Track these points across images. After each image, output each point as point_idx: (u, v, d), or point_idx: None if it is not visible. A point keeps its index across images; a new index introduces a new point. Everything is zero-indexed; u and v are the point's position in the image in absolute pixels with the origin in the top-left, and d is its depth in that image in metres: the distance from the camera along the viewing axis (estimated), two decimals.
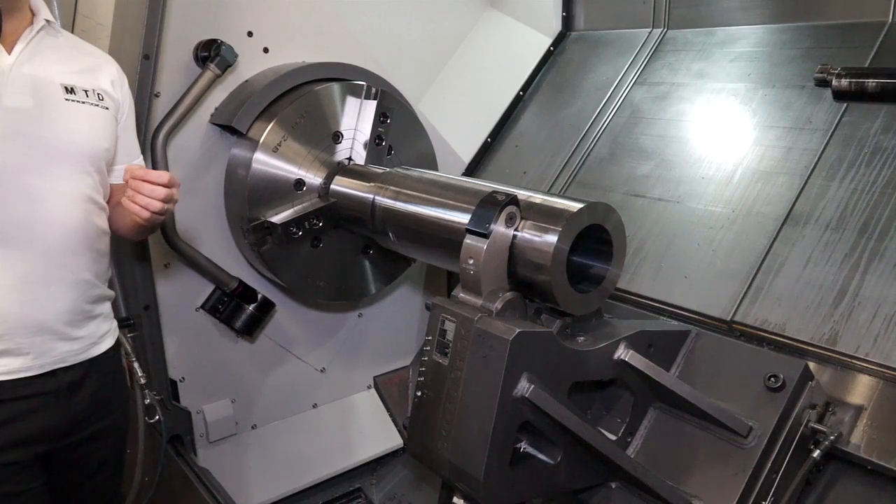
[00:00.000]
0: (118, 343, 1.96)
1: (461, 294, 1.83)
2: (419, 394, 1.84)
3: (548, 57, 3.52)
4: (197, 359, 2.74)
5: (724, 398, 1.94)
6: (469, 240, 1.78)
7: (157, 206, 1.67)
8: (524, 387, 1.65)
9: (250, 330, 2.68)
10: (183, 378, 2.72)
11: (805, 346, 2.07)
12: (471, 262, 1.77)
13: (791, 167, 2.45)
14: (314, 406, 3.16)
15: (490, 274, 1.77)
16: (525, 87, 3.46)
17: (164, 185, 1.68)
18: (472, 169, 3.36)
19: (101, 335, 1.86)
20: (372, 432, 3.27)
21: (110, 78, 1.87)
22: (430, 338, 1.81)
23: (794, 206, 2.36)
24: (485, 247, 1.75)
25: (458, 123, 3.36)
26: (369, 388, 3.35)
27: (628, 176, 2.86)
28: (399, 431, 3.31)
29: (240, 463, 2.89)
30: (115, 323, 1.96)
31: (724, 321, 2.25)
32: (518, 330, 1.61)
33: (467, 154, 3.35)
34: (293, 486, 2.99)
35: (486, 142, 3.37)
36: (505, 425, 1.66)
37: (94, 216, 1.77)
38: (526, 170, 3.22)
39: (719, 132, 2.72)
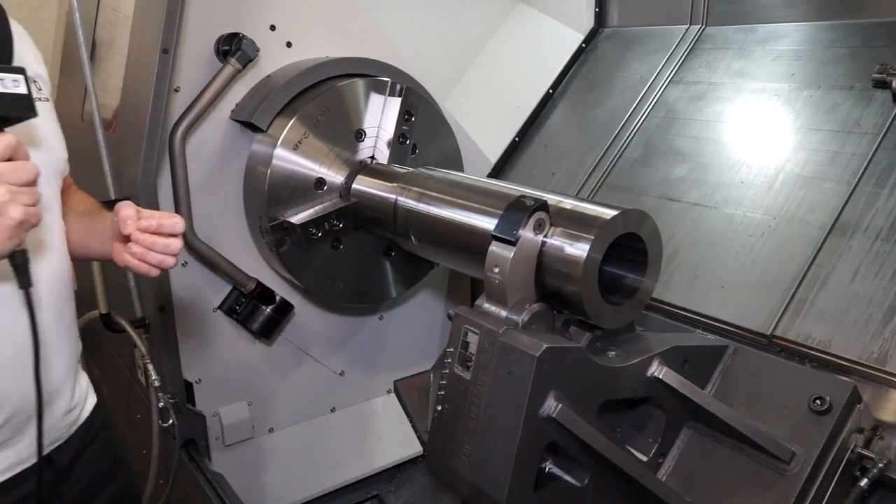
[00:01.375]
0: (100, 401, 1.67)
1: (485, 304, 1.73)
2: (439, 408, 1.74)
3: (579, 54, 3.40)
4: (213, 360, 2.68)
5: (764, 419, 1.82)
6: (495, 247, 1.69)
7: (172, 262, 1.39)
8: (551, 406, 1.55)
9: (268, 332, 2.61)
10: (199, 380, 2.66)
11: (852, 365, 1.93)
12: (496, 270, 1.67)
13: (838, 173, 2.31)
14: (332, 410, 3.09)
15: (516, 284, 1.67)
16: (555, 85, 3.34)
17: (177, 234, 1.38)
18: (499, 169, 3.26)
19: (86, 394, 1.59)
20: (391, 438, 3.19)
21: (32, 52, 1.46)
22: (451, 349, 1.71)
23: (840, 214, 2.22)
24: (511, 255, 1.65)
25: (485, 122, 3.25)
26: (389, 392, 3.27)
27: (662, 179, 2.74)
28: (419, 438, 3.22)
29: (255, 467, 2.83)
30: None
31: (764, 335, 2.12)
32: (545, 345, 1.51)
33: (494, 154, 3.24)
34: (309, 492, 2.93)
35: (513, 141, 3.26)
36: (530, 446, 1.56)
37: (65, 247, 1.49)
38: (554, 171, 3.10)
39: (760, 135, 2.58)
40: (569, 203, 1.75)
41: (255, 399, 2.84)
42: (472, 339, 1.66)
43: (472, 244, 1.91)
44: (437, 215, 2.06)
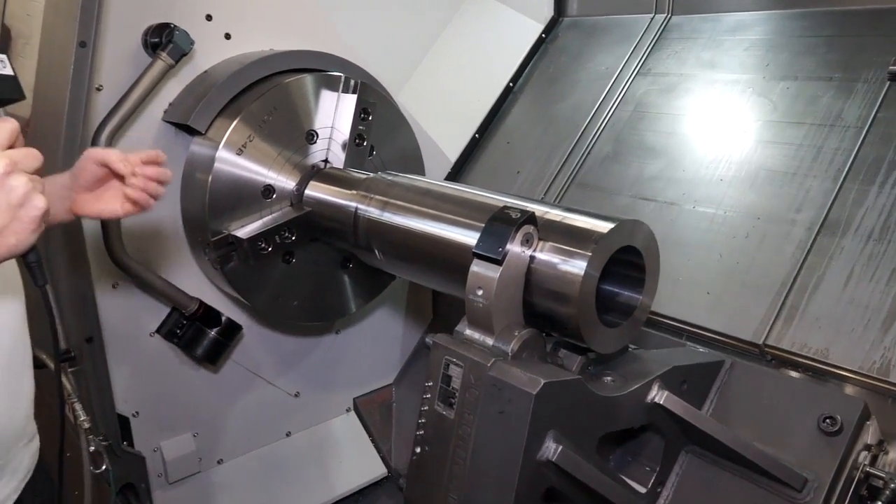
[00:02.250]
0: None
1: (467, 330, 1.53)
2: (418, 450, 1.53)
3: (539, 45, 3.22)
4: (152, 390, 2.41)
5: (768, 441, 1.68)
6: (478, 267, 1.48)
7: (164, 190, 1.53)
8: (550, 448, 1.36)
9: (213, 357, 2.35)
10: (136, 413, 2.38)
11: (853, 376, 1.81)
12: (480, 293, 1.47)
13: (822, 169, 2.20)
14: (287, 434, 2.84)
15: (503, 307, 1.47)
16: (515, 78, 3.15)
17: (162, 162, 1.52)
18: (459, 168, 3.05)
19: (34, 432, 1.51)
20: (352, 461, 2.96)
21: None
22: (430, 384, 1.50)
23: (828, 213, 2.10)
24: (498, 275, 1.45)
25: (442, 118, 3.04)
26: (348, 410, 3.04)
27: (635, 177, 2.59)
28: (382, 458, 3.01)
29: None
30: None
31: (756, 345, 1.99)
32: (543, 380, 1.32)
33: (453, 152, 3.04)
34: None
35: (473, 138, 3.07)
36: (528, 494, 1.37)
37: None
38: (519, 169, 2.92)
39: (736, 129, 2.45)
40: (556, 213, 1.55)
41: (202, 429, 2.57)
42: (455, 372, 1.46)
43: (448, 260, 1.71)
44: (406, 227, 1.84)
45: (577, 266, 1.42)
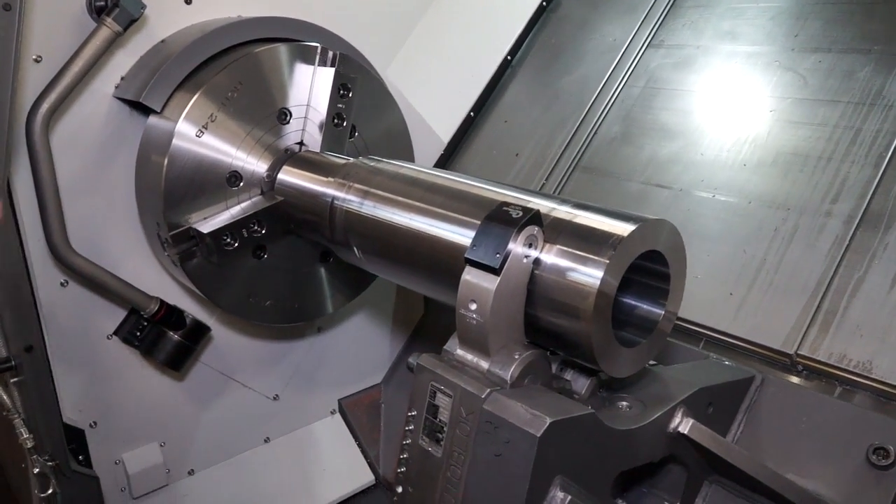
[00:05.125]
0: None
1: (458, 350, 1.28)
2: (400, 490, 1.30)
3: (539, 14, 2.95)
4: (112, 398, 2.17)
5: (806, 474, 1.45)
6: (471, 276, 1.23)
7: None
8: (557, 498, 1.12)
9: (177, 363, 2.10)
10: (94, 423, 2.14)
11: None
12: (473, 307, 1.22)
13: (861, 154, 1.95)
14: (266, 440, 2.62)
15: (502, 325, 1.22)
16: (513, 51, 2.90)
17: None
18: (453, 150, 2.80)
19: None
20: (337, 467, 2.74)
21: None
22: (413, 413, 1.26)
23: (869, 203, 1.86)
24: (494, 287, 1.20)
25: (434, 95, 2.78)
26: (333, 413, 2.81)
27: (647, 161, 2.33)
28: (369, 464, 2.78)
29: None
30: None
31: (787, 354, 1.75)
32: (549, 420, 1.08)
33: (446, 132, 2.78)
34: None
35: (468, 117, 2.82)
36: None
37: None
38: (518, 151, 2.67)
39: (761, 107, 2.20)
40: (565, 211, 1.30)
41: (169, 438, 2.34)
42: (443, 402, 1.22)
43: (437, 263, 1.45)
44: (389, 222, 1.58)
45: (591, 275, 1.17)
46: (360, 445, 2.80)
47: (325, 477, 2.70)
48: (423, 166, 1.81)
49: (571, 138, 2.55)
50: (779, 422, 1.55)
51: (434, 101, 2.78)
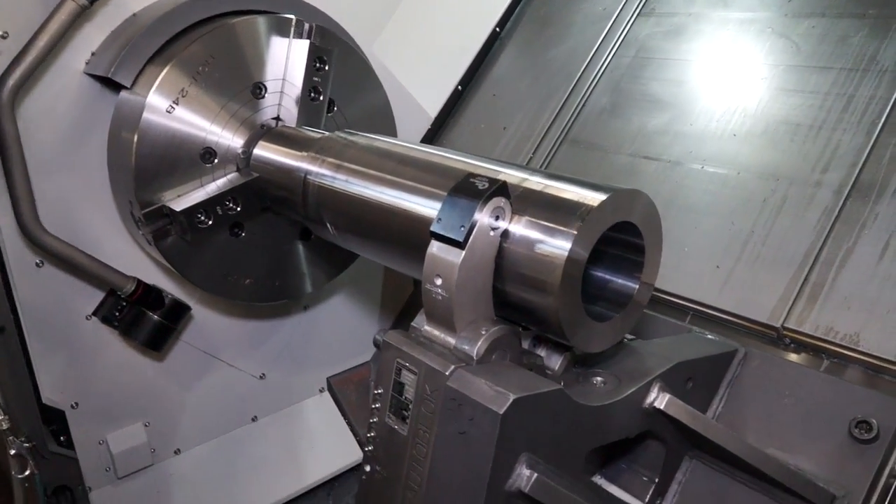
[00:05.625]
0: None
1: (425, 326, 1.25)
2: (368, 469, 1.27)
3: None
4: (93, 378, 2.16)
5: (788, 449, 1.42)
6: (435, 249, 1.19)
7: None
8: (522, 476, 1.09)
9: (157, 343, 2.08)
10: (76, 404, 2.13)
11: (888, 366, 1.54)
12: (438, 282, 1.18)
13: (853, 121, 1.89)
14: (253, 419, 2.60)
15: (467, 300, 1.19)
16: (502, 23, 2.83)
17: None
18: (441, 125, 2.75)
19: None
20: (326, 445, 2.73)
21: None
22: (380, 391, 1.23)
23: (860, 172, 1.81)
24: (459, 260, 1.16)
25: (421, 69, 2.73)
26: (322, 391, 2.79)
27: (636, 132, 2.28)
28: (358, 442, 2.76)
29: (161, 500, 2.33)
30: None
31: (773, 328, 1.71)
32: (513, 396, 1.05)
33: (433, 106, 2.73)
34: None
35: (456, 91, 2.76)
36: None
37: None
38: (506, 125, 2.61)
39: (753, 75, 2.13)
40: (536, 181, 1.26)
41: (154, 418, 2.32)
42: (408, 379, 1.19)
43: (407, 237, 1.42)
44: (359, 196, 1.54)
45: (559, 247, 1.13)
46: (348, 423, 2.78)
47: (313, 454, 2.69)
48: (400, 140, 1.76)
49: (559, 111, 2.49)
50: (761, 396, 1.52)
51: (421, 75, 2.73)
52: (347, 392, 2.86)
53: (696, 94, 2.23)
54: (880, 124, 1.83)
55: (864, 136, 1.85)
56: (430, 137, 2.71)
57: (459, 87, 2.76)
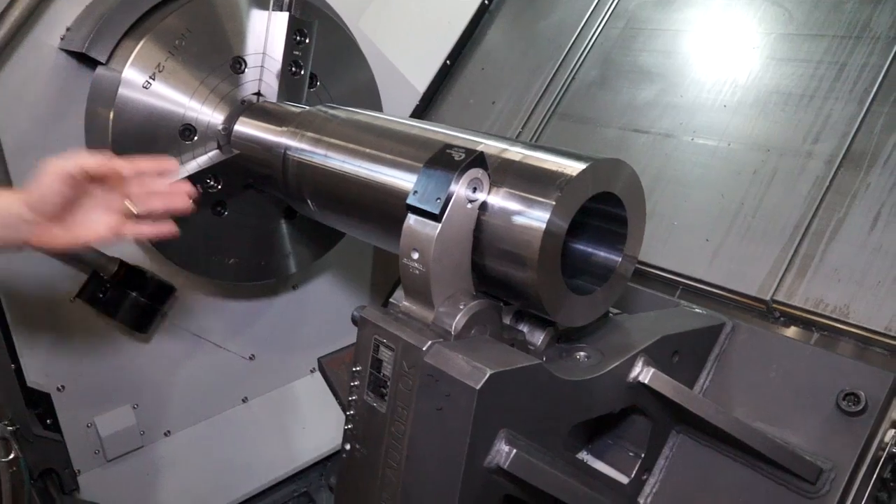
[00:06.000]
0: None
1: (403, 302, 1.22)
2: (348, 447, 1.26)
3: None
4: (80, 361, 2.14)
5: (775, 422, 1.40)
6: (412, 223, 1.17)
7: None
8: (501, 452, 1.07)
9: (142, 324, 2.06)
10: (62, 387, 2.11)
11: (878, 338, 1.52)
12: (415, 256, 1.16)
13: (845, 90, 1.84)
14: (244, 401, 2.59)
15: (445, 274, 1.16)
16: None
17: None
18: (429, 100, 2.70)
19: None
20: (317, 425, 2.72)
21: None
22: (358, 368, 1.21)
23: (852, 142, 1.77)
24: (436, 233, 1.13)
25: (409, 44, 2.68)
26: (313, 371, 2.78)
27: (626, 105, 2.23)
28: None
29: (150, 482, 2.33)
30: None
31: (762, 301, 1.69)
32: (489, 371, 1.02)
33: (422, 82, 2.68)
34: (223, 502, 2.45)
35: (444, 65, 2.71)
36: None
37: None
38: (495, 100, 2.57)
39: (743, 45, 2.09)
40: (516, 152, 1.22)
41: (143, 400, 2.31)
42: (386, 356, 1.16)
43: (386, 211, 1.39)
44: (338, 170, 1.51)
45: (537, 218, 1.10)
46: (340, 403, 2.76)
47: (305, 435, 2.69)
48: (383, 113, 1.73)
49: (548, 84, 2.44)
50: (749, 369, 1.49)
51: (409, 50, 2.68)
52: (339, 372, 2.84)
53: (686, 65, 2.18)
54: (873, 92, 1.79)
55: (856, 104, 1.81)
56: (419, 113, 2.67)
57: (448, 62, 2.71)
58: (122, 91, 1.73)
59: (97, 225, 1.23)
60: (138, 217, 1.25)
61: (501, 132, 2.46)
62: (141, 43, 1.74)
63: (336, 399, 2.79)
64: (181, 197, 1.28)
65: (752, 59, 2.04)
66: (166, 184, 1.27)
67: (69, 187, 1.18)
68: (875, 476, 1.37)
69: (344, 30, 2.19)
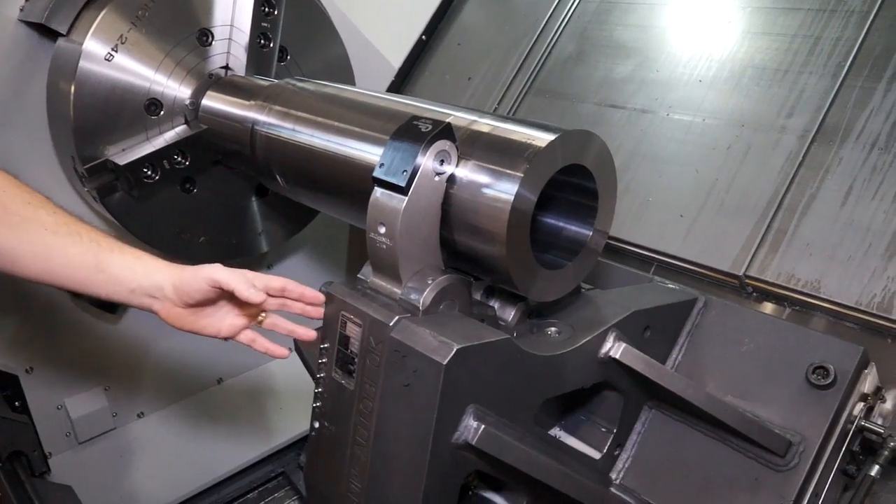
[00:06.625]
0: None
1: (371, 278, 1.20)
2: (317, 425, 1.24)
3: None
4: (48, 343, 2.10)
5: (746, 396, 1.40)
6: (379, 195, 1.14)
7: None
8: (470, 428, 1.06)
9: (110, 305, 2.02)
10: (30, 369, 2.07)
11: (848, 312, 1.53)
12: (382, 230, 1.13)
13: (820, 64, 1.84)
14: (219, 381, 2.56)
15: (413, 249, 1.14)
16: None
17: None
18: (405, 76, 2.66)
19: None
20: (293, 405, 2.70)
21: None
22: (326, 345, 1.19)
23: (825, 116, 1.76)
24: (403, 207, 1.11)
25: (384, 18, 2.63)
26: (290, 351, 2.74)
27: (602, 80, 2.21)
28: None
29: (122, 464, 2.30)
30: None
31: (735, 276, 1.69)
32: (456, 346, 1.01)
33: (397, 57, 2.63)
34: (197, 484, 2.44)
35: (420, 40, 2.66)
36: (442, 484, 1.09)
37: None
38: (470, 75, 2.53)
39: (719, 19, 2.07)
40: (485, 123, 1.20)
41: (114, 382, 2.28)
42: (353, 332, 1.14)
43: (354, 185, 1.36)
44: (305, 144, 1.48)
45: (504, 190, 1.08)
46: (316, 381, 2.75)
47: (281, 414, 2.67)
48: (353, 87, 1.69)
49: (524, 59, 2.41)
50: (721, 344, 1.49)
51: (384, 25, 2.63)
52: (315, 351, 2.82)
53: (662, 40, 2.16)
54: (846, 66, 1.78)
55: (830, 78, 1.80)
56: (395, 88, 2.63)
57: (423, 37, 2.67)
58: (83, 63, 1.68)
59: (222, 323, 1.31)
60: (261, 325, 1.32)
61: (478, 108, 2.43)
62: (102, 13, 1.69)
63: (312, 378, 2.77)
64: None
65: (727, 33, 2.03)
66: (306, 308, 1.31)
67: (216, 294, 1.23)
68: (843, 449, 1.38)
69: (315, 2, 2.14)
